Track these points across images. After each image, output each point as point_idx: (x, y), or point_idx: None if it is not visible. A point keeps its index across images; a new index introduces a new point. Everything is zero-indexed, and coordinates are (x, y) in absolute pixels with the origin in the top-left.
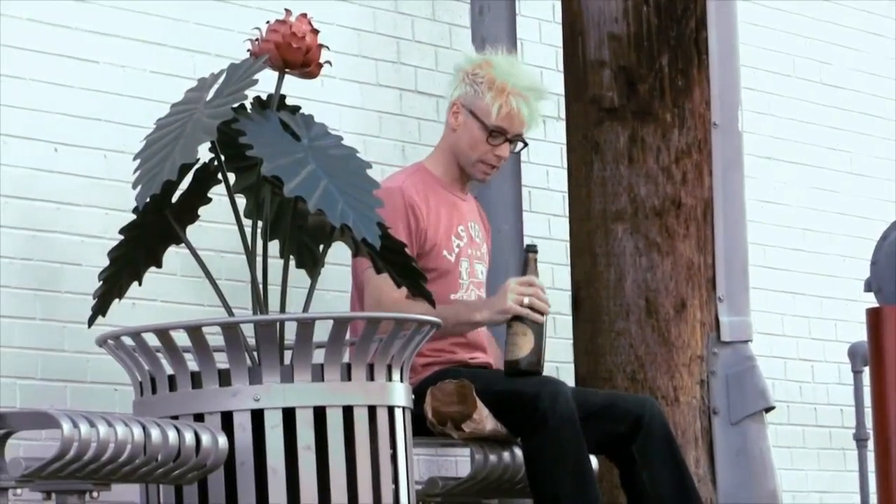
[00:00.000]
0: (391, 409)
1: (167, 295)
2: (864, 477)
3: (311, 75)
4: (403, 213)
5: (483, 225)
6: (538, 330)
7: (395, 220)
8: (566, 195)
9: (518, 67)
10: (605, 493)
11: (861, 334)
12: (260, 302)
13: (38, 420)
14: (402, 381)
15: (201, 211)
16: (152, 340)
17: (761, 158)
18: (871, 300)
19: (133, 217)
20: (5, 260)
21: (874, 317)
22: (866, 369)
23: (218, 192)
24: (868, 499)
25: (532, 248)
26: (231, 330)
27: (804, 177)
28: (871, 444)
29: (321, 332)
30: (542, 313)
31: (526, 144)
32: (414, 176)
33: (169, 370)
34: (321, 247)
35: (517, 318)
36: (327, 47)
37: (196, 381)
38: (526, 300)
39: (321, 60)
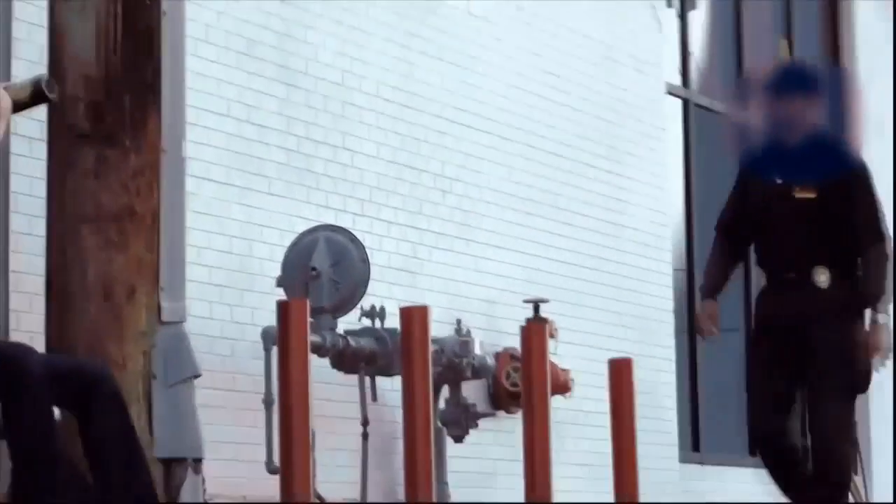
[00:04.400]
0: None
1: None
2: (270, 433)
3: None
4: None
5: None
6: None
7: None
8: (45, 201)
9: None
10: (69, 438)
11: (272, 321)
12: None
13: None
14: None
15: None
16: None
17: (200, 179)
18: (281, 294)
19: None
20: None
21: (282, 308)
22: (275, 348)
23: None
24: (272, 451)
25: None
26: None
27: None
28: (276, 408)
29: None
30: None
31: None
32: None
33: None
34: None
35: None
36: None
37: None
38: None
39: None
